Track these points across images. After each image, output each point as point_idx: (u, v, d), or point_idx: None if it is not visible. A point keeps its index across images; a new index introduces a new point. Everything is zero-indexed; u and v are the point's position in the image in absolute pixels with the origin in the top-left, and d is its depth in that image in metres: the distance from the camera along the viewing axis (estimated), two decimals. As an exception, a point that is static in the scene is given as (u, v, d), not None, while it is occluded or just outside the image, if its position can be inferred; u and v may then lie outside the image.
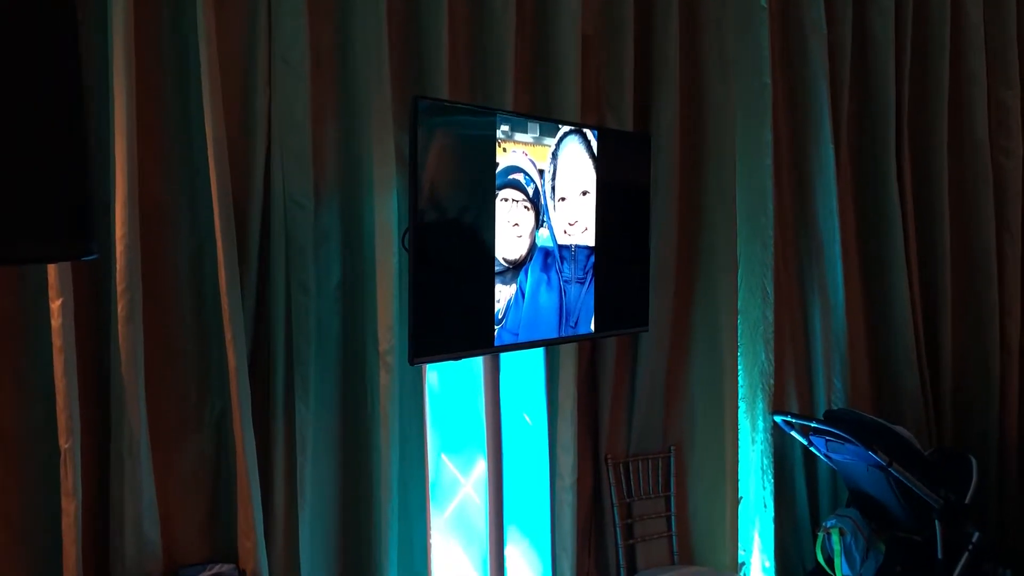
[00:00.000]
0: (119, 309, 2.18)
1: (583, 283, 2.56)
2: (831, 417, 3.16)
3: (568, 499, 2.82)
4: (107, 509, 2.24)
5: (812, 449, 3.17)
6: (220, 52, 2.31)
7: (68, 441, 2.12)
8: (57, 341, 2.11)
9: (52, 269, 2.08)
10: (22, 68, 0.89)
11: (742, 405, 3.19)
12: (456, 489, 2.74)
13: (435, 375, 2.69)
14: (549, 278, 2.44)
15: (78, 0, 2.05)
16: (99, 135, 2.20)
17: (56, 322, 2.10)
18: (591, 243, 2.58)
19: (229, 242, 2.30)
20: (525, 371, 2.82)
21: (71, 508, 2.13)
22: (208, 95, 2.26)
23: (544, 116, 2.71)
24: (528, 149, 2.34)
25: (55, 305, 2.10)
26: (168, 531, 2.33)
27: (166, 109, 2.32)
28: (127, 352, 2.19)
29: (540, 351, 2.79)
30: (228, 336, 2.29)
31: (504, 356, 2.56)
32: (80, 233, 0.97)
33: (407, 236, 2.10)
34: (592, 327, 2.59)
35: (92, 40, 2.20)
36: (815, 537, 3.21)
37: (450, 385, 2.72)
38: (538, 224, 2.41)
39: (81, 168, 0.96)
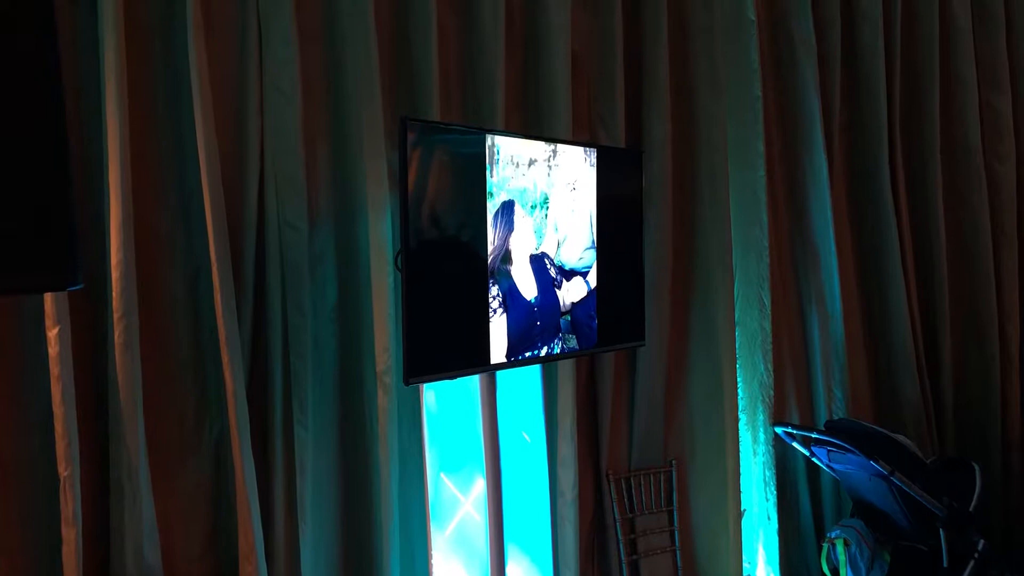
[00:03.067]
0: (116, 335, 2.19)
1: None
2: (832, 427, 3.15)
3: (570, 515, 2.81)
4: (108, 536, 2.25)
5: (814, 460, 3.16)
6: (212, 79, 2.33)
7: (67, 469, 2.13)
8: (55, 369, 2.11)
9: (48, 297, 2.09)
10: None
11: (742, 417, 3.19)
12: (456, 508, 2.74)
13: (432, 394, 2.69)
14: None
15: (66, 31, 2.08)
16: (93, 163, 2.23)
17: (53, 350, 2.11)
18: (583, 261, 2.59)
19: (224, 266, 2.31)
20: (524, 389, 2.82)
21: (72, 536, 2.13)
22: (201, 122, 2.28)
23: (534, 134, 2.73)
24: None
25: (52, 333, 2.11)
26: (169, 557, 2.34)
27: (159, 136, 2.34)
28: (125, 378, 2.20)
29: (537, 368, 2.79)
30: (225, 359, 2.30)
31: (503, 374, 2.56)
32: (65, 263, 0.97)
33: (400, 257, 2.11)
34: (589, 342, 2.60)
35: (85, 69, 2.22)
36: (820, 548, 3.20)
37: (448, 404, 2.72)
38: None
39: (63, 197, 0.97)
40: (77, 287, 1.00)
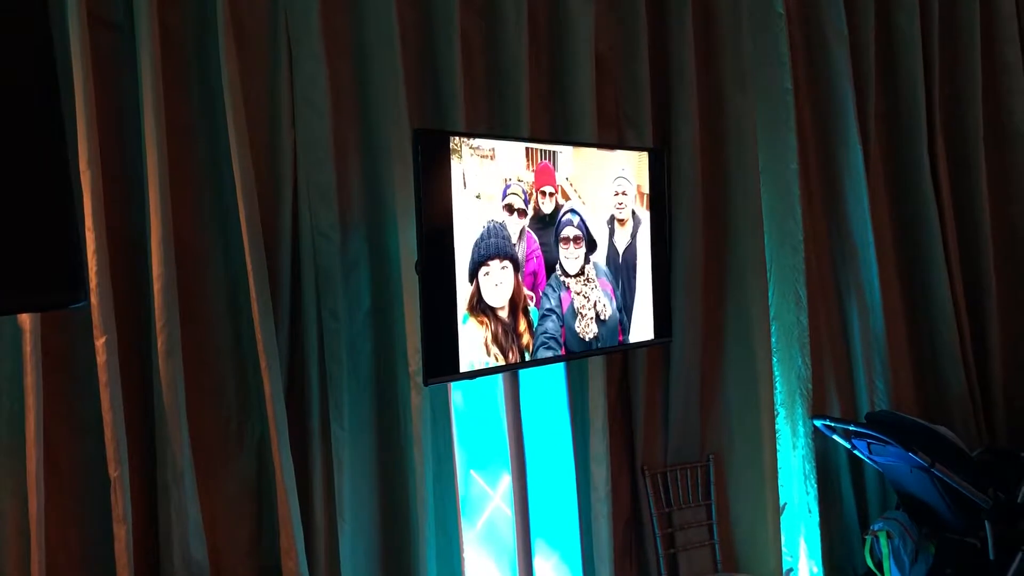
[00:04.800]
0: (159, 344, 2.31)
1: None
2: (871, 419, 3.14)
3: (603, 510, 2.86)
4: (156, 534, 2.37)
5: (856, 452, 3.15)
6: (245, 96, 2.43)
7: (117, 470, 2.25)
8: (103, 376, 2.24)
9: (96, 309, 2.22)
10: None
11: (781, 411, 3.19)
12: (485, 503, 2.80)
13: (459, 394, 2.76)
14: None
15: (105, 57, 2.19)
16: (135, 182, 2.35)
17: (101, 358, 2.24)
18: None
19: (261, 275, 2.41)
20: (550, 386, 2.88)
21: (122, 533, 2.25)
22: (235, 138, 2.38)
23: (551, 139, 2.78)
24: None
25: (100, 342, 2.23)
26: (215, 553, 2.45)
27: (196, 154, 2.45)
28: (168, 384, 2.32)
29: (561, 366, 2.83)
30: (263, 364, 2.40)
31: (527, 372, 2.61)
32: (65, 283, 1.06)
33: (419, 263, 2.18)
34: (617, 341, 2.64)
35: (125, 92, 2.34)
36: (864, 541, 3.18)
37: (474, 402, 2.79)
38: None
39: (64, 220, 1.06)
40: (80, 304, 1.09)
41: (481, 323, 2.28)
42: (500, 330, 2.32)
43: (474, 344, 2.25)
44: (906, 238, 3.47)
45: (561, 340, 2.46)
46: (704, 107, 3.10)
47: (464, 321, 2.24)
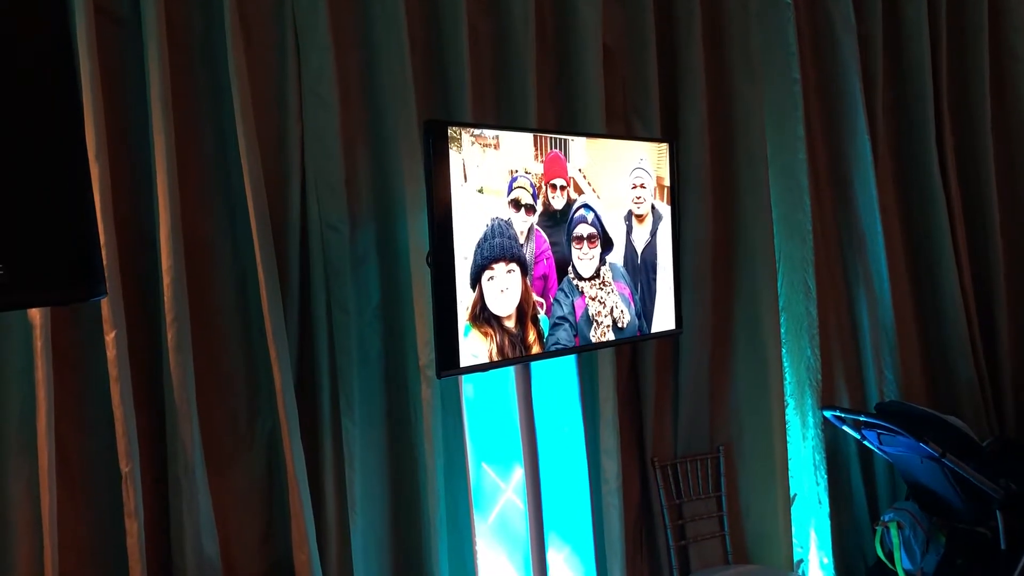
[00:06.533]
0: (168, 338, 2.30)
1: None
2: (881, 410, 3.13)
3: (615, 503, 2.85)
4: (168, 528, 2.36)
5: (865, 443, 3.14)
6: (252, 89, 2.42)
7: (128, 465, 2.24)
8: (113, 371, 2.23)
9: (105, 304, 2.21)
10: (18, 129, 0.99)
11: (790, 402, 3.18)
12: (497, 496, 2.80)
13: (470, 387, 2.75)
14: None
15: (113, 52, 2.18)
16: (143, 176, 2.34)
17: (111, 353, 2.23)
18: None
19: (270, 268, 2.41)
20: (560, 378, 2.87)
21: (134, 528, 2.25)
22: (242, 131, 2.37)
23: (560, 130, 2.76)
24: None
25: (109, 337, 2.23)
26: (226, 547, 2.45)
27: (204, 147, 2.44)
28: (178, 378, 2.31)
29: (572, 359, 2.82)
30: (273, 357, 2.39)
31: (538, 364, 2.60)
32: (84, 276, 1.06)
33: (429, 255, 2.16)
34: (628, 334, 2.61)
35: (132, 87, 2.34)
36: (874, 531, 3.18)
37: (485, 394, 2.78)
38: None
39: (82, 213, 1.05)
40: (100, 298, 1.09)
41: (485, 335, 2.15)
42: (507, 342, 2.19)
43: (478, 358, 2.14)
44: (914, 228, 3.47)
45: (575, 351, 2.40)
46: (712, 98, 3.09)
47: (466, 334, 2.11)
